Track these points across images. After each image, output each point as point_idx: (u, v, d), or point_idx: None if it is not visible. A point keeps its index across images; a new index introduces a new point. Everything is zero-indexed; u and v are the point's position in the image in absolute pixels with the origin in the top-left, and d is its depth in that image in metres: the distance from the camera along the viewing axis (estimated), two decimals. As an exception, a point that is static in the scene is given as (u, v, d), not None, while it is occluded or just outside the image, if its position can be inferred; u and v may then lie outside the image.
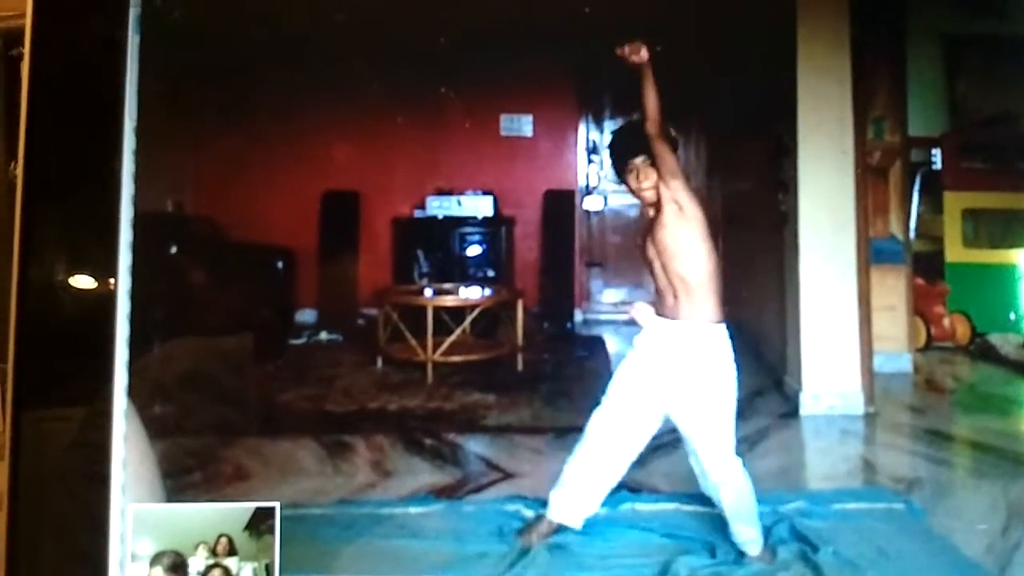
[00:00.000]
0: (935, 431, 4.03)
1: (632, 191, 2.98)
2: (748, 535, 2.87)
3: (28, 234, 1.79)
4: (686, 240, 2.93)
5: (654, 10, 3.89)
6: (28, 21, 1.82)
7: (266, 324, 4.92)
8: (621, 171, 3.01)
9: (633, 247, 5.94)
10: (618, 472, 2.99)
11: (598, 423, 3.02)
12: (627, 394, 3.00)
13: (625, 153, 2.99)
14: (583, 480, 2.98)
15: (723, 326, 2.91)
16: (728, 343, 2.91)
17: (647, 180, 2.93)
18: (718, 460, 2.88)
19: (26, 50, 1.82)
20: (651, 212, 2.98)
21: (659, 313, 2.96)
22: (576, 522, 2.96)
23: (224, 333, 4.23)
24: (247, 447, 3.72)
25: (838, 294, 4.17)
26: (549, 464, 3.66)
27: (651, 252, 2.97)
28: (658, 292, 2.99)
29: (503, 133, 5.80)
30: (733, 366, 2.92)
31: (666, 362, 2.94)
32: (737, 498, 2.87)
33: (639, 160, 2.94)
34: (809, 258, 4.16)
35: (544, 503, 3.01)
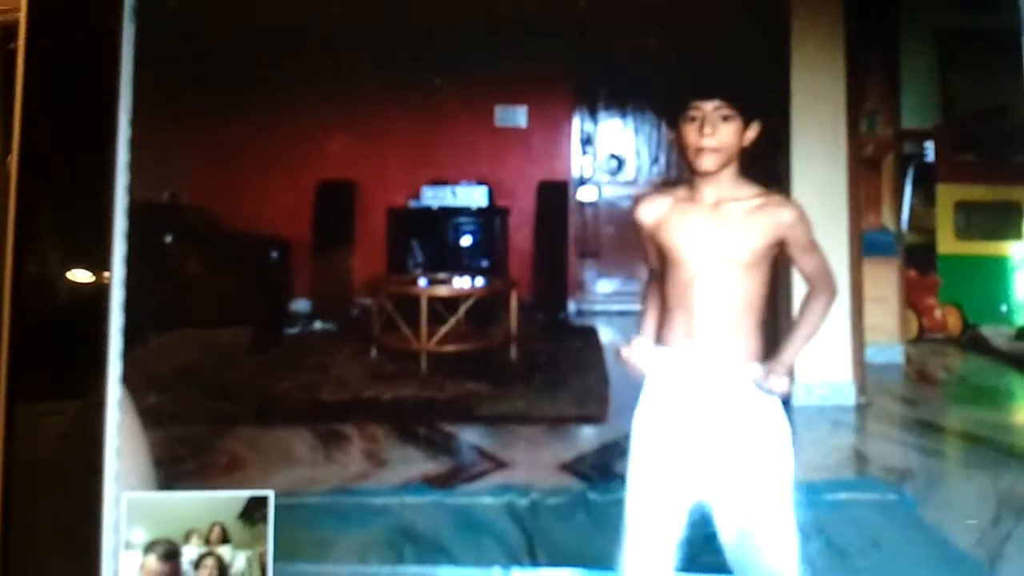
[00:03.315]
0: (926, 422, 4.04)
1: (684, 147, 2.16)
2: None
3: (22, 224, 1.80)
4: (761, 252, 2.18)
5: (649, 1, 3.89)
6: (22, 9, 1.82)
7: (261, 313, 4.92)
8: (678, 116, 2.16)
9: (627, 237, 5.97)
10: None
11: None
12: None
13: (693, 89, 2.18)
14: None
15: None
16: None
17: (713, 137, 2.13)
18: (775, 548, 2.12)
19: (20, 39, 1.82)
20: (706, 193, 2.17)
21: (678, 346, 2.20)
22: None
23: (218, 322, 4.24)
24: (240, 436, 3.73)
25: (831, 286, 4.18)
26: (542, 453, 3.68)
27: (699, 254, 2.17)
28: (684, 315, 2.19)
29: (498, 124, 5.80)
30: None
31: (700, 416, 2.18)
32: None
33: (711, 106, 2.13)
34: (802, 250, 4.17)
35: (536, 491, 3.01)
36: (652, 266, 2.31)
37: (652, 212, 2.24)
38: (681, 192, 2.22)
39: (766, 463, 2.14)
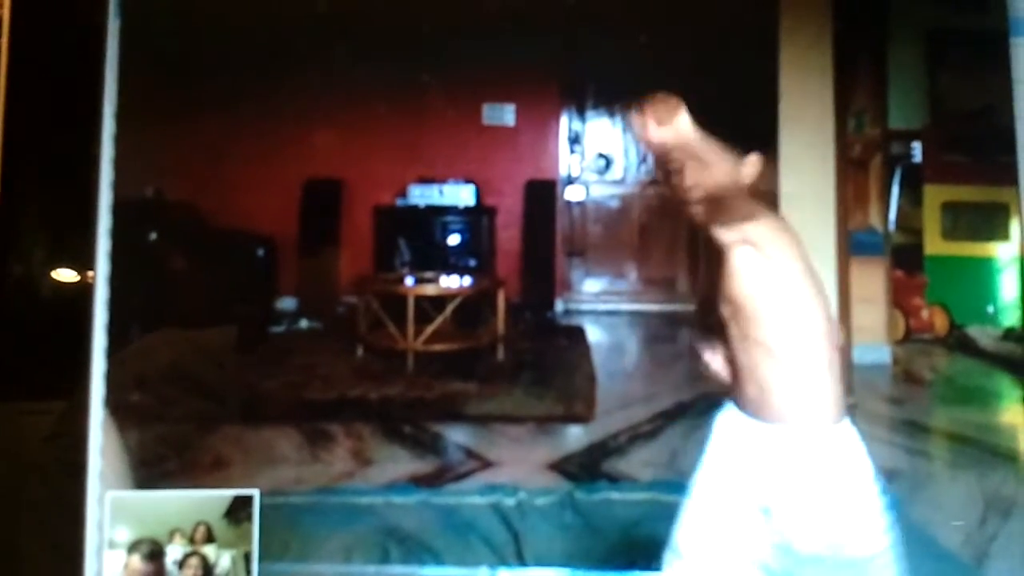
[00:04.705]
0: (913, 422, 4.04)
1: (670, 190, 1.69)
2: None
3: (6, 221, 1.78)
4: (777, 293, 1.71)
5: (636, 1, 3.88)
6: (6, 4, 1.80)
7: (246, 312, 4.90)
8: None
9: (614, 237, 5.98)
10: None
11: None
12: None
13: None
14: None
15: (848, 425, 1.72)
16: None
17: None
18: None
19: (3, 33, 1.80)
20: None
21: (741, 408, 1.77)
22: None
23: (204, 320, 4.22)
24: (226, 435, 3.71)
25: (818, 286, 4.18)
26: (529, 453, 3.67)
27: (725, 310, 1.73)
28: (737, 376, 1.76)
29: (485, 122, 5.80)
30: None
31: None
32: None
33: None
34: (789, 250, 4.17)
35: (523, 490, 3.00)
36: None
37: None
38: None
39: (859, 538, 1.73)
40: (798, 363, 1.71)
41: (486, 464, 3.58)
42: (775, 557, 1.76)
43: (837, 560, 1.72)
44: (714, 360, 1.79)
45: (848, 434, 1.73)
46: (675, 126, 1.68)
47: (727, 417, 1.80)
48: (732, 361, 1.76)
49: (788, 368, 1.71)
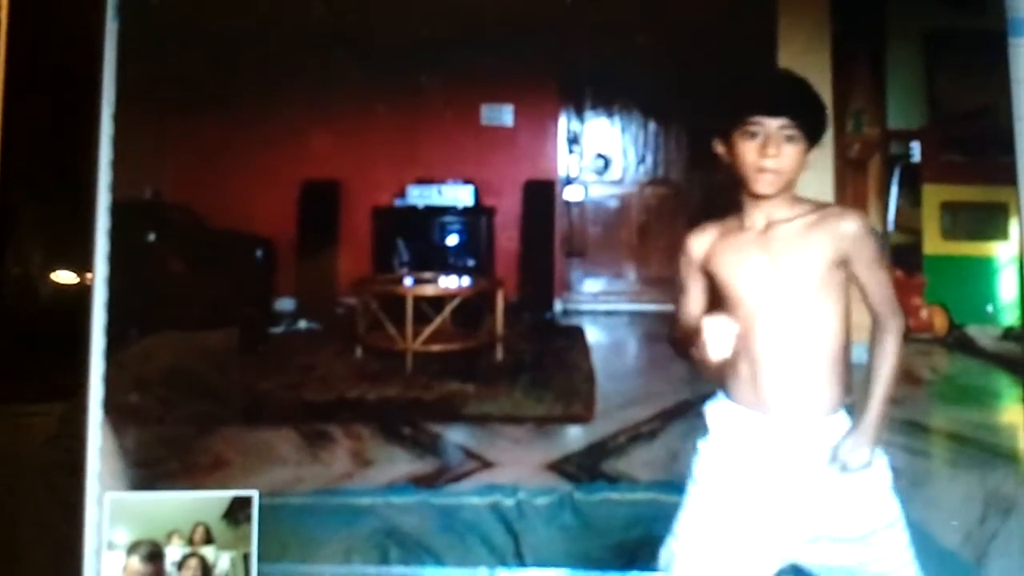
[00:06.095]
0: (912, 422, 4.04)
1: (739, 164, 1.84)
2: None
3: (4, 223, 1.78)
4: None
5: (634, 1, 3.88)
6: (3, 6, 1.80)
7: (245, 313, 4.90)
8: (732, 128, 1.84)
9: (613, 237, 5.97)
10: None
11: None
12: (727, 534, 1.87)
13: (760, 103, 1.83)
14: None
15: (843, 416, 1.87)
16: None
17: (777, 159, 1.80)
18: None
19: (2, 35, 1.80)
20: (756, 217, 1.86)
21: (745, 402, 1.86)
22: None
23: (203, 322, 4.22)
24: (225, 436, 3.71)
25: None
26: (528, 453, 3.67)
27: (756, 288, 1.84)
28: (748, 364, 1.85)
29: (484, 122, 5.79)
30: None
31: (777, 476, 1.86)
32: None
33: (776, 124, 1.81)
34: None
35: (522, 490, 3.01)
36: (689, 307, 1.95)
37: (702, 244, 1.92)
38: (731, 221, 1.90)
39: (867, 516, 1.88)
40: (801, 356, 1.84)
41: (485, 464, 3.58)
42: (791, 546, 1.87)
43: (850, 541, 1.85)
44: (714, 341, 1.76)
45: (844, 424, 1.87)
46: None
47: (720, 408, 1.91)
48: (747, 362, 1.85)
49: (790, 362, 1.83)
